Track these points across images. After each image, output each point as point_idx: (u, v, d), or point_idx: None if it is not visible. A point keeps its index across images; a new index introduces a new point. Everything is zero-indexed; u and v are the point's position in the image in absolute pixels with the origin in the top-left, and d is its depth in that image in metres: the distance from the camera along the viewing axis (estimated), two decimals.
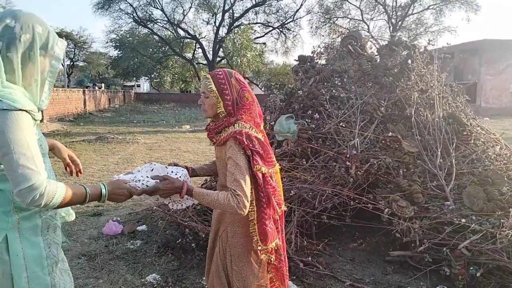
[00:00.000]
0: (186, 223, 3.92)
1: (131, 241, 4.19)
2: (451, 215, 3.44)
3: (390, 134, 4.01)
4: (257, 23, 34.54)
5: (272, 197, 1.83)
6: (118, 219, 4.82)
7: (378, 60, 4.83)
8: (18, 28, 1.40)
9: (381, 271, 3.61)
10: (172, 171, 1.91)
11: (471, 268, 3.13)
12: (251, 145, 1.75)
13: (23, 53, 1.42)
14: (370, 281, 3.43)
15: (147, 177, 1.80)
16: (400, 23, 33.57)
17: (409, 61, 4.46)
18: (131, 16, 32.45)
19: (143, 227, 4.55)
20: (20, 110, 1.36)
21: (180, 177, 1.88)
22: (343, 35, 5.39)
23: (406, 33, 33.60)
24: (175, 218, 4.10)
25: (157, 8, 32.47)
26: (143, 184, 1.76)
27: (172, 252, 3.84)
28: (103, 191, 1.61)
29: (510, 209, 3.37)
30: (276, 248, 1.92)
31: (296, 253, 3.59)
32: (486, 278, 3.13)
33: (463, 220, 3.36)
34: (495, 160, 4.09)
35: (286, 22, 34.45)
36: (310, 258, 3.57)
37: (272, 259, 1.93)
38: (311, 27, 35.26)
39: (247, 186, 1.74)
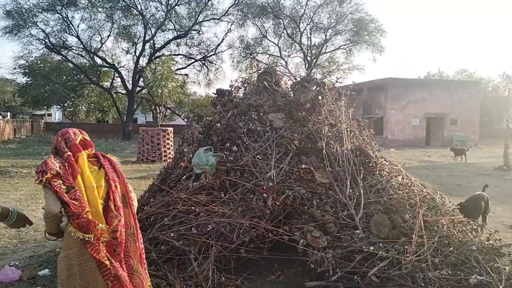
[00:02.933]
0: None
1: None
2: (361, 243, 3.61)
3: (303, 166, 4.16)
4: (178, 54, 34.63)
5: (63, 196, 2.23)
6: (17, 263, 4.32)
7: (292, 95, 5.05)
8: None
9: None
10: None
11: None
12: (39, 168, 2.32)
13: None
14: None
15: None
16: (314, 60, 35.91)
17: (320, 97, 4.73)
18: (43, 42, 30.65)
19: (46, 271, 4.11)
20: None
21: None
22: (259, 71, 5.58)
23: (320, 70, 36.00)
24: None
25: (72, 35, 31.15)
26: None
27: None
28: (12, 213, 2.23)
29: (413, 236, 3.63)
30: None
31: None
32: None
33: (372, 248, 3.54)
34: (398, 189, 4.42)
35: (208, 55, 35.01)
36: None
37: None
38: (233, 61, 36.25)
39: (46, 198, 2.25)
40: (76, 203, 2.22)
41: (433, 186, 5.35)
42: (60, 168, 2.33)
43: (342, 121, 4.73)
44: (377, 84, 30.64)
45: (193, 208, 4.03)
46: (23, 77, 33.84)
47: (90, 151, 2.58)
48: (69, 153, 2.45)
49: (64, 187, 2.26)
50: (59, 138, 2.57)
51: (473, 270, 3.42)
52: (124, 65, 35.56)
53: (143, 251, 2.53)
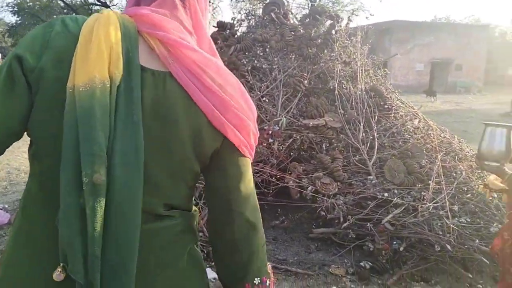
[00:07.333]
0: None
1: None
2: (374, 190, 3.38)
3: (311, 124, 3.78)
4: None
5: None
6: (6, 206, 4.16)
7: (302, 30, 4.60)
8: None
9: (304, 249, 3.49)
10: None
11: (394, 242, 3.09)
12: None
13: None
14: (294, 261, 3.27)
15: None
16: (318, 0, 34.27)
17: (333, 31, 4.29)
18: None
19: None
20: None
21: None
22: (265, 2, 5.08)
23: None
24: None
25: None
26: None
27: None
28: None
29: (430, 182, 3.39)
30: None
31: None
32: (408, 252, 3.11)
33: (386, 194, 3.31)
34: (414, 133, 4.13)
35: None
36: None
37: None
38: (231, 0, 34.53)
39: None
40: None
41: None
42: None
43: (356, 59, 4.33)
44: (382, 27, 29.42)
45: None
46: (12, 16, 32.48)
47: None
48: None
49: None
50: None
51: (493, 218, 3.22)
52: (117, 4, 33.91)
53: None
